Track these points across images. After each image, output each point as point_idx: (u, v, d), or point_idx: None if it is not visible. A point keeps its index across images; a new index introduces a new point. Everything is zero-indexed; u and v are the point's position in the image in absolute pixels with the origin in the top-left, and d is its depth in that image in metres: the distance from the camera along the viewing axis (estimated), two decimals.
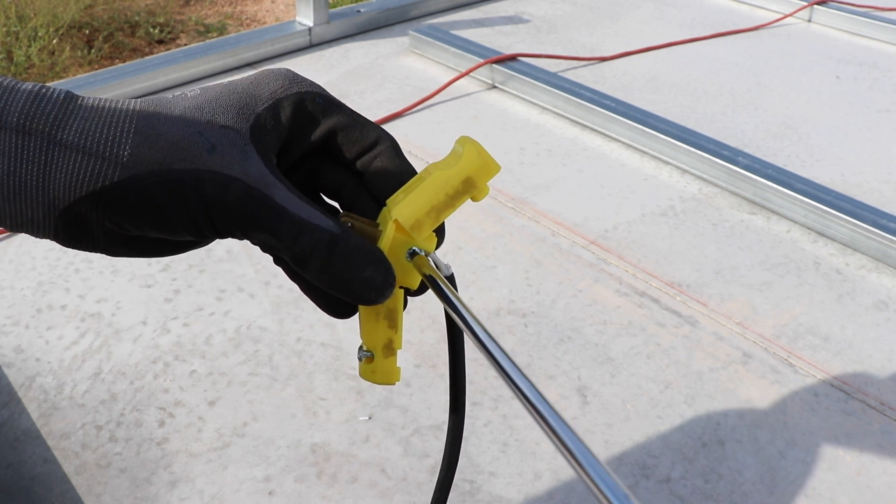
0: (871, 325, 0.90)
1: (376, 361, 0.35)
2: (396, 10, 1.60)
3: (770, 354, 0.85)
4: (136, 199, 0.30)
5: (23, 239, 0.94)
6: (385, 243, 0.33)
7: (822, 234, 1.05)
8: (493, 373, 0.80)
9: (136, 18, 3.22)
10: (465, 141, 0.34)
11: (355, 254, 0.31)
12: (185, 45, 3.08)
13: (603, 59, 1.51)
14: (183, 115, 0.31)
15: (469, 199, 0.34)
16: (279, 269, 0.90)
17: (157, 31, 3.17)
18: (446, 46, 1.42)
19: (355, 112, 0.35)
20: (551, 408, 0.27)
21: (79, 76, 1.27)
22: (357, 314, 0.35)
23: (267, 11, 3.52)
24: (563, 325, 0.87)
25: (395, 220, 0.33)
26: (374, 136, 0.35)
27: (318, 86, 0.35)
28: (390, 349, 0.35)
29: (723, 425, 0.76)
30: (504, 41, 1.56)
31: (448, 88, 1.34)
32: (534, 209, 1.06)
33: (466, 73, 1.36)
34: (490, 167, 0.33)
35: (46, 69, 2.74)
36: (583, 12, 1.75)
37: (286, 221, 0.30)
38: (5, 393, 0.74)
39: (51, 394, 0.74)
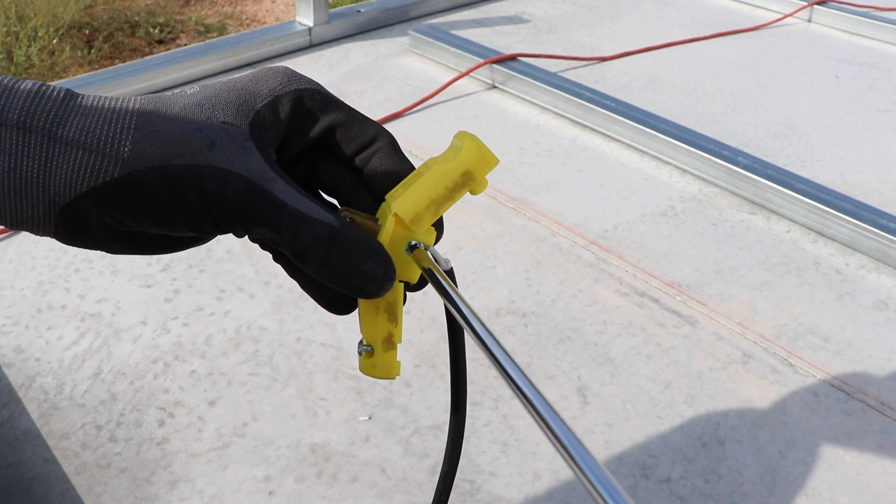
0: (871, 325, 0.90)
1: (376, 355, 0.35)
2: (396, 10, 1.60)
3: (770, 354, 0.85)
4: (137, 195, 0.30)
5: (23, 239, 0.94)
6: (385, 237, 0.33)
7: (822, 234, 1.05)
8: (493, 372, 0.80)
9: (136, 18, 3.22)
10: (463, 135, 0.34)
11: (355, 247, 0.31)
12: (185, 45, 3.08)
13: (603, 59, 1.51)
14: (183, 112, 0.31)
15: (468, 193, 0.34)
16: (279, 269, 0.91)
17: (157, 31, 3.17)
18: (446, 46, 1.42)
19: (353, 109, 0.35)
20: (544, 400, 0.27)
21: (79, 76, 1.27)
22: (356, 310, 0.35)
23: (267, 11, 3.52)
24: (563, 325, 0.87)
25: (395, 214, 0.33)
26: (373, 133, 0.35)
27: (317, 83, 0.35)
28: (390, 343, 0.35)
29: (723, 425, 0.76)
30: (504, 41, 1.56)
31: (448, 88, 1.34)
32: (534, 209, 1.06)
33: (466, 73, 1.36)
34: (488, 160, 0.34)
35: (46, 69, 2.74)
36: (583, 12, 1.75)
37: (286, 216, 0.31)
38: (5, 393, 0.74)
39: (51, 394, 0.74)
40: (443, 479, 0.39)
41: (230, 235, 0.95)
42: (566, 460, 0.26)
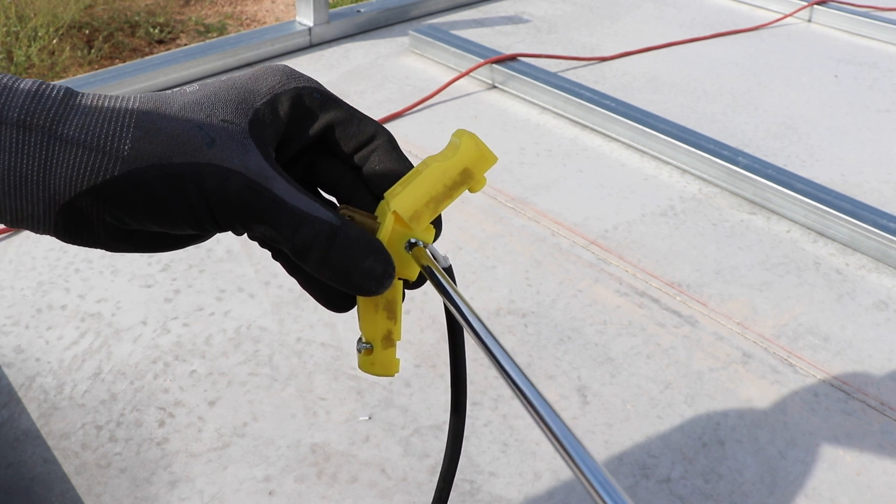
0: (871, 325, 0.90)
1: (375, 353, 0.35)
2: (396, 10, 1.60)
3: (770, 354, 0.85)
4: (137, 193, 0.30)
5: (23, 239, 0.94)
6: (384, 234, 0.33)
7: (822, 234, 1.05)
8: (493, 372, 0.80)
9: (136, 18, 3.22)
10: (461, 133, 0.34)
11: (355, 244, 0.31)
12: (185, 45, 3.08)
13: (603, 59, 1.51)
14: (182, 110, 0.31)
15: (467, 191, 0.34)
16: (279, 269, 0.91)
17: (157, 31, 3.17)
18: (446, 46, 1.42)
19: (352, 107, 0.35)
20: (542, 397, 0.27)
21: (79, 76, 1.27)
22: (356, 307, 0.36)
23: (267, 11, 3.52)
24: (563, 325, 0.87)
25: (394, 212, 0.33)
26: (371, 131, 0.35)
27: (316, 81, 0.35)
28: (389, 340, 0.35)
29: (723, 425, 0.76)
30: (504, 41, 1.56)
31: (448, 88, 1.34)
32: (534, 209, 1.06)
33: (466, 73, 1.36)
34: (487, 158, 0.34)
35: (46, 69, 2.74)
36: (583, 12, 1.75)
37: (286, 213, 0.31)
38: (5, 393, 0.74)
39: (51, 394, 0.74)
40: (443, 477, 0.39)
41: (230, 235, 0.95)
42: (564, 458, 0.26)
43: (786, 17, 1.77)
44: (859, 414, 0.78)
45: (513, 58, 1.39)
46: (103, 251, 0.94)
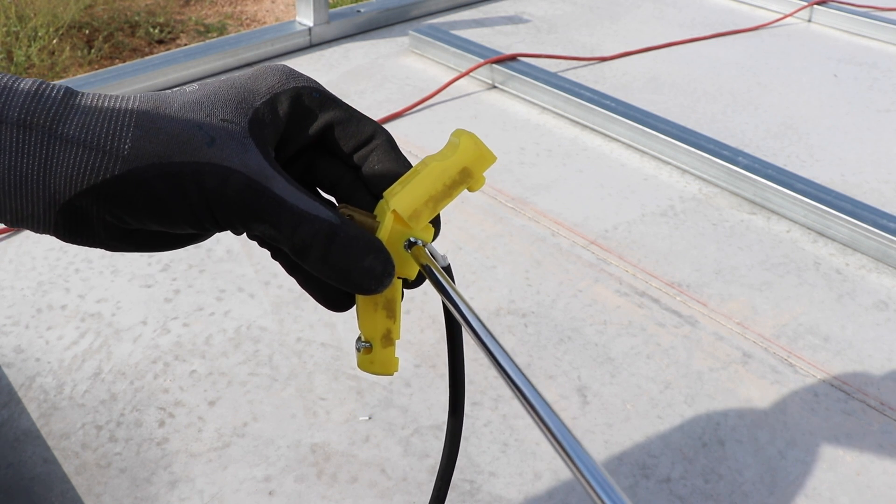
0: (871, 325, 0.90)
1: (375, 352, 0.35)
2: (396, 10, 1.60)
3: (770, 354, 0.85)
4: (137, 192, 0.30)
5: (23, 239, 0.94)
6: (383, 233, 0.33)
7: (822, 234, 1.05)
8: (493, 372, 0.80)
9: (136, 18, 3.22)
10: (460, 132, 0.34)
11: (354, 243, 0.31)
12: (185, 45, 3.08)
13: (603, 59, 1.51)
14: (182, 110, 0.31)
15: (466, 190, 0.34)
16: (279, 269, 0.91)
17: (157, 31, 3.17)
18: (446, 46, 1.42)
19: (351, 107, 0.35)
20: (540, 395, 0.27)
21: (79, 76, 1.27)
22: (355, 306, 0.36)
23: (267, 11, 3.52)
24: (563, 325, 0.87)
25: (394, 211, 0.33)
26: (370, 131, 0.35)
27: (315, 81, 0.35)
28: (389, 339, 0.35)
29: (723, 425, 0.76)
30: (504, 41, 1.56)
31: (448, 88, 1.34)
32: (534, 209, 1.06)
33: (466, 73, 1.36)
34: (486, 157, 0.34)
35: (46, 69, 2.74)
36: (583, 12, 1.75)
37: (286, 212, 0.31)
38: (5, 393, 0.74)
39: (51, 394, 0.74)
40: (440, 477, 0.39)
41: (230, 234, 0.95)
42: (562, 458, 0.26)
43: (786, 17, 1.77)
44: (859, 414, 0.78)
45: (513, 58, 1.39)
46: (103, 251, 0.94)
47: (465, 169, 0.34)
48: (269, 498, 0.66)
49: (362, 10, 1.56)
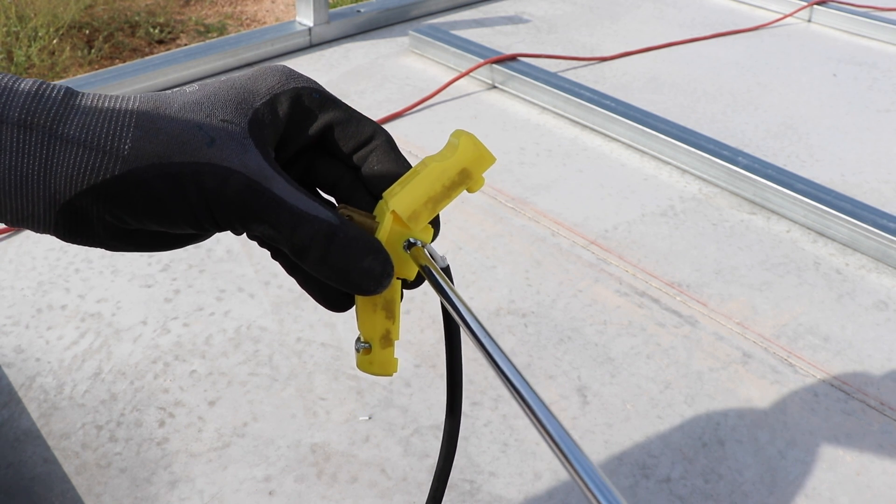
0: (871, 325, 0.90)
1: (374, 352, 0.35)
2: (396, 10, 1.60)
3: (770, 354, 0.85)
4: (137, 192, 0.30)
5: (23, 239, 0.94)
6: (383, 234, 0.33)
7: (822, 234, 1.05)
8: (492, 372, 0.80)
9: (137, 18, 3.22)
10: (460, 133, 0.34)
11: (354, 244, 0.31)
12: (185, 45, 3.08)
13: (603, 59, 1.51)
14: (182, 110, 0.31)
15: (465, 191, 0.34)
16: (279, 270, 0.91)
17: (157, 31, 3.17)
18: (446, 46, 1.42)
19: (351, 107, 0.35)
20: (537, 396, 0.27)
21: (79, 76, 1.27)
22: (354, 307, 0.36)
23: (267, 11, 3.52)
24: (563, 325, 0.87)
25: (393, 211, 0.33)
26: (370, 131, 0.35)
27: (315, 82, 0.35)
28: (388, 340, 0.35)
29: (723, 425, 0.76)
30: (504, 41, 1.56)
31: (448, 88, 1.34)
32: (534, 209, 1.06)
33: (466, 73, 1.36)
34: (485, 158, 0.34)
35: (46, 69, 2.74)
36: (583, 12, 1.75)
37: (285, 213, 0.31)
38: (5, 393, 0.74)
39: (51, 394, 0.74)
40: (437, 478, 0.39)
41: (230, 235, 0.95)
42: (559, 458, 0.26)
43: (786, 17, 1.77)
44: (859, 414, 0.78)
45: (513, 58, 1.39)
46: (103, 251, 0.94)
47: (465, 170, 0.34)
48: (269, 498, 0.66)
49: (362, 10, 1.56)
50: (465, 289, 0.91)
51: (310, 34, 1.47)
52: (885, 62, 1.60)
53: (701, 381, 0.81)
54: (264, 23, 3.41)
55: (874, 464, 0.73)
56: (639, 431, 0.75)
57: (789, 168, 1.19)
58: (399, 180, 0.34)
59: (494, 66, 1.35)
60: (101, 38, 2.99)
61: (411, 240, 0.33)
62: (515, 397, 0.28)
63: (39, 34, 2.84)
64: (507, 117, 1.28)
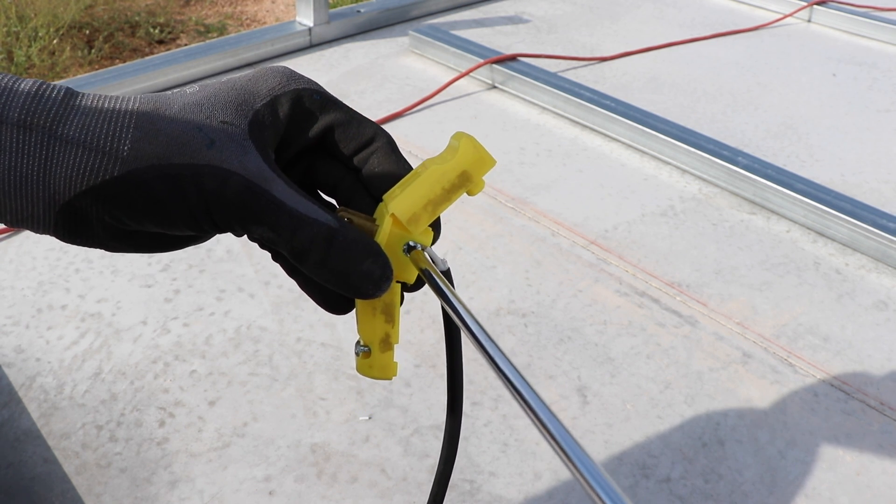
0: (871, 325, 0.90)
1: (373, 356, 0.35)
2: (396, 10, 1.60)
3: (770, 354, 0.85)
4: (136, 194, 0.30)
5: (23, 239, 0.94)
6: (382, 237, 0.33)
7: (821, 234, 1.05)
8: (492, 373, 0.80)
9: (137, 18, 3.22)
10: (460, 136, 0.34)
11: (353, 247, 0.31)
12: (185, 45, 3.08)
13: (603, 59, 1.51)
14: (182, 112, 0.31)
15: (465, 193, 0.34)
16: (279, 270, 0.91)
17: (157, 31, 3.17)
18: (446, 46, 1.42)
19: (351, 109, 0.35)
20: (540, 399, 0.27)
21: (79, 76, 1.27)
22: (354, 310, 0.35)
23: (267, 11, 3.52)
24: (563, 325, 0.87)
25: (392, 214, 0.33)
26: (371, 133, 0.35)
27: (316, 83, 0.35)
28: (387, 343, 0.35)
29: (723, 425, 0.76)
30: (504, 41, 1.56)
31: (448, 88, 1.34)
32: (534, 209, 1.06)
33: (466, 73, 1.36)
34: (486, 161, 0.34)
35: (47, 69, 2.74)
36: (583, 12, 1.75)
37: (284, 215, 0.31)
38: (5, 393, 0.74)
39: (51, 394, 0.74)
40: (438, 480, 0.39)
41: (230, 235, 0.95)
42: (561, 458, 0.26)
43: (786, 17, 1.77)
44: (859, 414, 0.78)
45: (513, 58, 1.39)
46: (103, 251, 0.93)
47: (465, 172, 0.34)
48: (269, 498, 0.66)
49: (362, 10, 1.56)
50: (465, 289, 0.91)
51: (310, 34, 1.47)
52: (884, 62, 1.60)
53: (701, 381, 0.81)
54: (264, 23, 3.41)
55: (874, 464, 0.73)
56: (639, 431, 0.75)
57: (789, 168, 1.19)
58: (399, 183, 0.34)
59: (494, 66, 1.35)
60: (101, 39, 2.99)
61: (411, 243, 0.33)
62: (517, 399, 0.28)
63: (39, 34, 2.84)
64: (507, 117, 1.28)
